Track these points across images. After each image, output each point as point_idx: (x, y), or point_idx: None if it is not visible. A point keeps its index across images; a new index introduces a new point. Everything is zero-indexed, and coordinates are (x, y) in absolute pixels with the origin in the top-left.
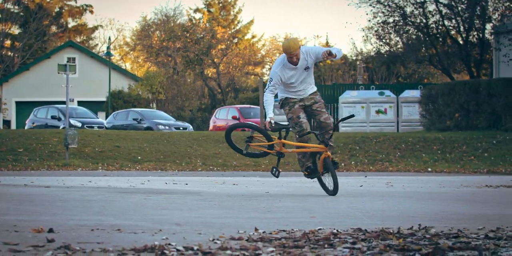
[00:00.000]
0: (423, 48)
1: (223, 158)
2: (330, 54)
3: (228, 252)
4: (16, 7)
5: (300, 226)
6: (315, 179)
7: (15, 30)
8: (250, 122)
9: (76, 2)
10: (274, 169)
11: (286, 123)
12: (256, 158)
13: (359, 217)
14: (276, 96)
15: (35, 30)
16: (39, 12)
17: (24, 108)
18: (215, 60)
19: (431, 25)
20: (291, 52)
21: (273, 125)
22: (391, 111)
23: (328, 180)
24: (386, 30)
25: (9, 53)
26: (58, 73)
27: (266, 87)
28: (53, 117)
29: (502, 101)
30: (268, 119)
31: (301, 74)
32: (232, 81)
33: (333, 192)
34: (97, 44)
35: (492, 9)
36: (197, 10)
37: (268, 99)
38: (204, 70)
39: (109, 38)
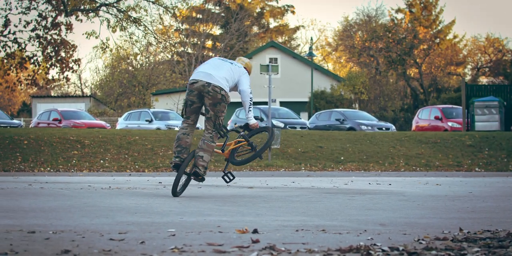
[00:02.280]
0: None
1: (426, 158)
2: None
3: (433, 252)
4: (217, 7)
5: (504, 226)
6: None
7: (216, 31)
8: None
9: (277, 3)
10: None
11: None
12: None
13: None
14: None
15: (236, 30)
16: (240, 12)
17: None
18: (417, 60)
19: None
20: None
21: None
22: None
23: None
24: None
25: (211, 54)
26: (261, 73)
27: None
28: (255, 118)
29: None
30: (257, 121)
31: None
32: (434, 81)
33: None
34: (299, 45)
35: None
36: (398, 10)
37: None
38: (407, 70)
39: (311, 39)
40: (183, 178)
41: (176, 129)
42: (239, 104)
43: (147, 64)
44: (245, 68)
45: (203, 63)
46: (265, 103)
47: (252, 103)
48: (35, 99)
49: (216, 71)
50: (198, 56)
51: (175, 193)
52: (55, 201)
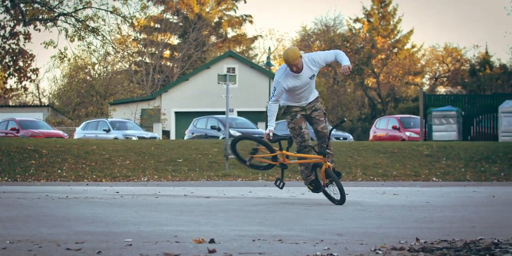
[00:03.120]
0: None
1: (383, 168)
2: (349, 68)
3: None
4: (175, 17)
5: (461, 236)
6: (321, 193)
7: (174, 41)
8: (254, 135)
9: (235, 12)
10: (279, 181)
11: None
12: (259, 170)
13: None
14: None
15: (194, 40)
16: (199, 22)
17: (183, 118)
18: (375, 70)
19: None
20: (290, 62)
21: (271, 137)
22: None
23: (333, 189)
24: None
25: (169, 63)
26: (218, 83)
27: (271, 96)
28: (212, 128)
29: None
30: (267, 131)
31: (305, 83)
32: (392, 91)
33: (340, 201)
34: (256, 54)
35: None
36: (357, 20)
37: (272, 109)
38: (364, 80)
39: (269, 48)
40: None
41: (134, 138)
42: (197, 114)
43: (105, 74)
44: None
45: None
46: (223, 112)
47: (268, 114)
48: None
49: None
50: (156, 66)
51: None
52: (13, 210)
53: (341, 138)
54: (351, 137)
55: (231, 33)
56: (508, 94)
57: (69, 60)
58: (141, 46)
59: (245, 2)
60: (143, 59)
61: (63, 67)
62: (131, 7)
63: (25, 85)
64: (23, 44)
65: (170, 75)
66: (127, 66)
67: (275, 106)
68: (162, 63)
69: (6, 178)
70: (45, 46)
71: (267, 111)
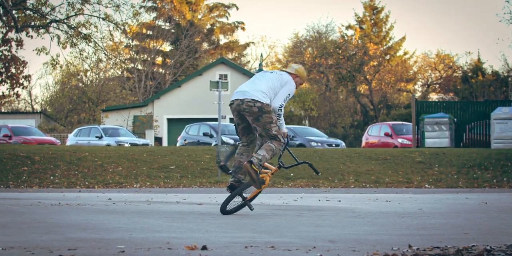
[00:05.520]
0: None
1: (376, 175)
2: None
3: None
4: (167, 24)
5: (454, 243)
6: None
7: (167, 47)
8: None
9: (228, 19)
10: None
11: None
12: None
13: None
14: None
15: (186, 47)
16: (191, 29)
17: (175, 125)
18: (368, 76)
19: None
20: (304, 80)
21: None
22: None
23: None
24: None
25: (161, 70)
26: (210, 90)
27: (284, 101)
28: (205, 134)
29: None
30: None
31: None
32: (384, 98)
33: None
34: (249, 61)
35: None
36: (349, 27)
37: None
38: (357, 86)
39: (261, 55)
40: (238, 199)
41: (126, 145)
42: (189, 121)
43: (97, 81)
44: (295, 74)
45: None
46: (215, 119)
47: (278, 119)
48: None
49: (251, 86)
50: (148, 73)
51: (224, 211)
52: (5, 217)
53: (334, 145)
54: (343, 144)
55: (223, 40)
56: (501, 101)
57: (61, 66)
58: (133, 52)
59: (237, 9)
60: (135, 66)
61: (55, 73)
62: (123, 14)
63: (17, 91)
64: (15, 51)
65: (162, 81)
66: (119, 72)
67: None
68: (154, 69)
69: None
70: (37, 53)
71: (278, 116)
